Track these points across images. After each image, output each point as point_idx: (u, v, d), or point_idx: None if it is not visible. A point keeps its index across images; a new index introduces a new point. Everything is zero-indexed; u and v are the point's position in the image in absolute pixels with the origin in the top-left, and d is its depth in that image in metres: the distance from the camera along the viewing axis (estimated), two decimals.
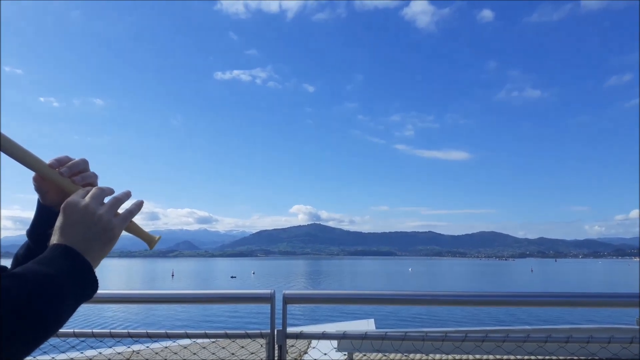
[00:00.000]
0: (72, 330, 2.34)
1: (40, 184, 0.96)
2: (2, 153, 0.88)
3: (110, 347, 3.04)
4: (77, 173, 0.95)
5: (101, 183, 0.98)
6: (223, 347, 2.87)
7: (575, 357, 2.82)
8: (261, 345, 2.30)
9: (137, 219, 0.96)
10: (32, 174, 0.94)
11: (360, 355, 6.08)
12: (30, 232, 1.00)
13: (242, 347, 2.63)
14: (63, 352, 2.85)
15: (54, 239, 0.84)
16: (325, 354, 2.58)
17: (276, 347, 2.23)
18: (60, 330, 0.77)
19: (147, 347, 4.81)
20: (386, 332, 2.41)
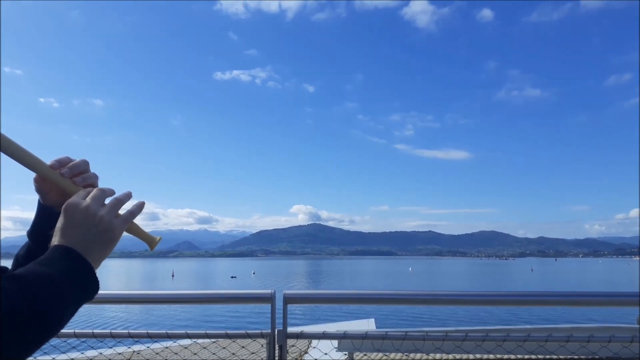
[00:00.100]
0: (72, 331, 2.34)
1: (41, 184, 0.96)
2: (2, 154, 0.88)
3: (111, 348, 3.04)
4: (78, 174, 0.95)
5: (101, 184, 0.98)
6: (224, 347, 2.87)
7: (576, 356, 2.83)
8: (262, 345, 2.31)
9: (138, 220, 0.96)
10: (32, 174, 0.94)
11: (361, 355, 6.08)
12: (31, 233, 1.00)
13: (243, 347, 2.64)
14: (64, 353, 2.85)
15: (55, 240, 0.84)
16: (325, 353, 2.59)
17: (277, 347, 2.23)
18: (60, 330, 0.78)
19: (148, 347, 4.82)
20: (387, 331, 2.41)
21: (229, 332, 2.34)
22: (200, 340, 2.98)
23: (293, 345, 7.41)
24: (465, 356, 5.05)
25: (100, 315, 21.54)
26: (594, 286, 54.50)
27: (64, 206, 0.86)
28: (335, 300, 2.42)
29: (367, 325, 12.18)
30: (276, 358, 2.23)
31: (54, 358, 2.54)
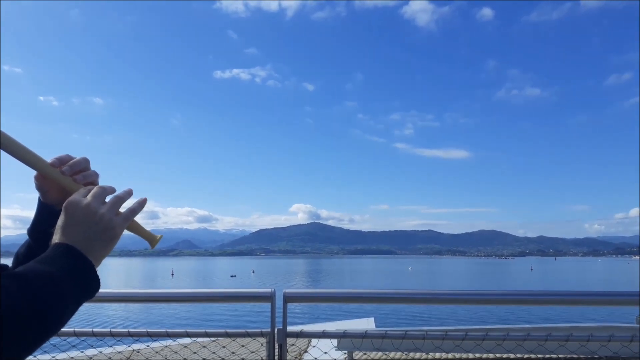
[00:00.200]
0: (72, 330, 2.34)
1: (42, 182, 0.96)
2: (3, 151, 0.87)
3: (111, 346, 3.04)
4: (79, 172, 0.95)
5: (101, 182, 0.98)
6: (223, 346, 2.88)
7: (576, 356, 2.83)
8: (261, 344, 2.31)
9: (138, 218, 0.96)
10: (32, 172, 0.94)
11: (361, 354, 6.09)
12: (31, 231, 1.00)
13: (243, 345, 2.64)
14: (63, 352, 2.85)
15: (56, 238, 0.84)
16: (325, 352, 2.59)
17: (276, 345, 2.23)
18: (61, 329, 0.78)
19: (148, 346, 4.82)
20: (386, 330, 2.42)
21: (228, 330, 2.34)
22: (200, 339, 2.99)
23: (293, 344, 7.41)
24: (465, 355, 5.06)
25: (100, 313, 21.56)
26: (593, 285, 54.57)
27: (64, 204, 0.86)
28: (335, 299, 2.42)
29: (366, 324, 12.18)
30: (276, 357, 2.23)
31: (54, 357, 2.54)
